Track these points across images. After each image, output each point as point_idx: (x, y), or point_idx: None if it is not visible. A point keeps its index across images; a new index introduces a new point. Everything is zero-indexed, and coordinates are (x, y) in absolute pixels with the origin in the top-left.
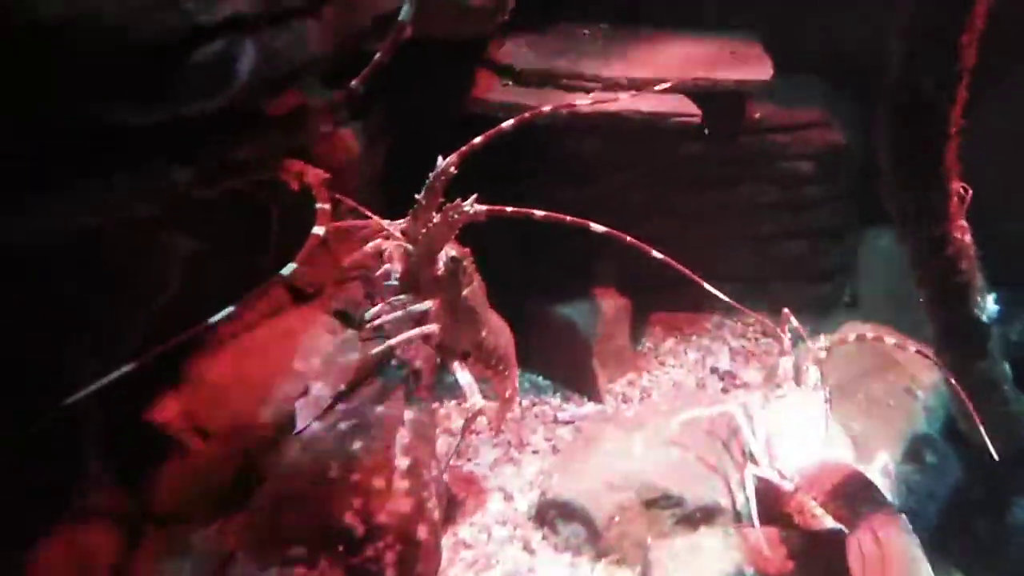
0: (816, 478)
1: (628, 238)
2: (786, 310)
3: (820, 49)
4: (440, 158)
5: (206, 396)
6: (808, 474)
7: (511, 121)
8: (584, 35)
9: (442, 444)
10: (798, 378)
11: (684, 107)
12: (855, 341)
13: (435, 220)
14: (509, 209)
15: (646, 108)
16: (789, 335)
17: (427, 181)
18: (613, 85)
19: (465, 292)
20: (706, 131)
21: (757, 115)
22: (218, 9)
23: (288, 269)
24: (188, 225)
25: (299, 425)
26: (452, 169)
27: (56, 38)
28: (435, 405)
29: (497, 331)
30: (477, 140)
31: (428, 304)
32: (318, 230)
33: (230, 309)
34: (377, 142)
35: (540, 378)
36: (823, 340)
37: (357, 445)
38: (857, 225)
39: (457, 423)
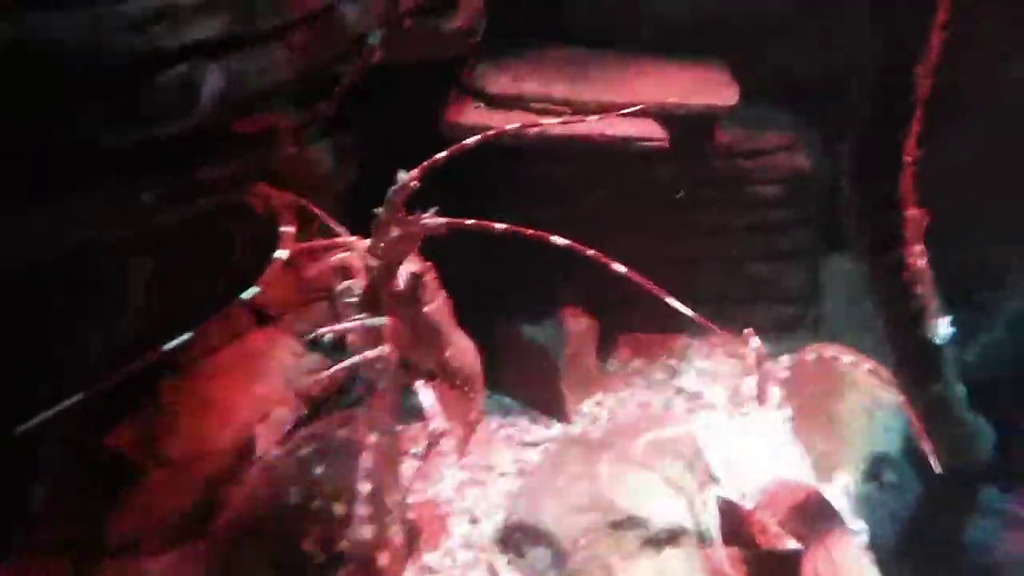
0: (775, 497)
1: (589, 251)
2: (749, 330)
3: (785, 76)
4: (402, 173)
5: (165, 421)
6: (768, 493)
7: (475, 138)
8: (555, 59)
9: (406, 468)
10: (761, 398)
11: (652, 131)
12: (814, 361)
13: (394, 234)
14: (468, 221)
15: (611, 132)
16: (752, 355)
17: (388, 195)
18: (583, 109)
19: (427, 308)
20: (675, 153)
21: (725, 138)
22: (182, 34)
23: (250, 293)
24: (152, 247)
25: (259, 450)
26: (413, 184)
27: (27, 60)
28: (399, 428)
29: (463, 351)
30: (440, 155)
31: (382, 320)
32: (280, 253)
33: (186, 336)
34: (347, 161)
35: (508, 399)
36: (785, 360)
37: (319, 470)
38: (822, 248)
39: (422, 446)
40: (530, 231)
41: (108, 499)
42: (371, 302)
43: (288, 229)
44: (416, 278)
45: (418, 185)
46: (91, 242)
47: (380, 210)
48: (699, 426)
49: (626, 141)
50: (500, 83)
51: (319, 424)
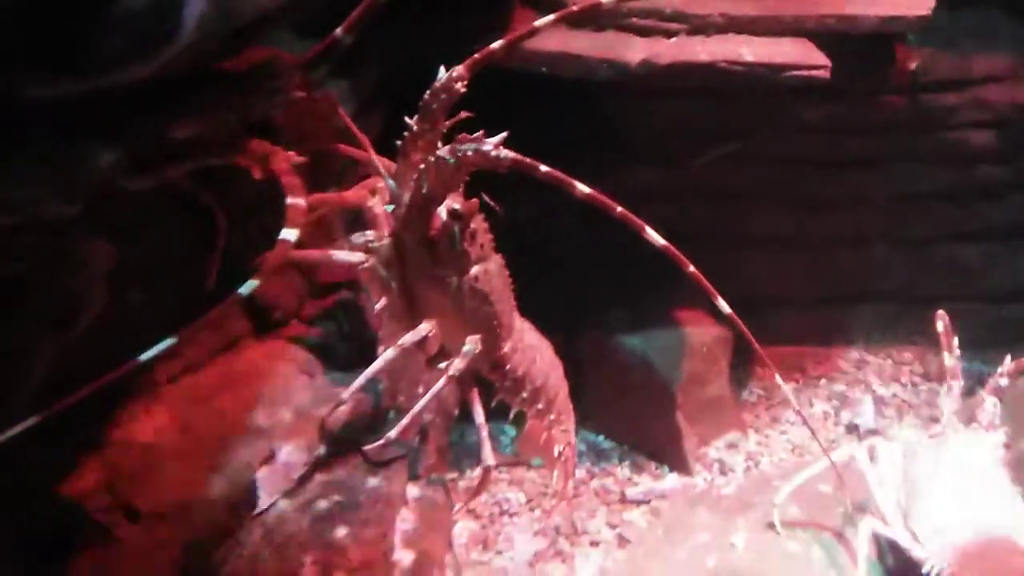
0: (977, 558)
1: (654, 234)
2: (941, 312)
3: None
4: (442, 69)
5: (136, 462)
6: (966, 551)
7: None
8: None
9: (461, 531)
10: (966, 413)
11: (806, 56)
12: None
13: (438, 155)
14: (543, 168)
15: (751, 57)
16: (957, 354)
17: (423, 102)
18: (704, 25)
19: (474, 270)
20: (840, 89)
21: (912, 65)
22: None
23: (247, 287)
24: (113, 229)
25: (262, 503)
26: (460, 85)
27: None
28: (451, 476)
29: (531, 349)
30: (496, 44)
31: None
32: (287, 234)
33: (170, 341)
34: (372, 108)
35: (599, 439)
36: (1008, 363)
37: (341, 532)
38: None
39: (487, 498)
40: (619, 208)
41: (58, 565)
42: (392, 253)
43: (297, 201)
44: (459, 217)
45: (465, 87)
46: (33, 222)
47: (411, 121)
48: (858, 446)
49: (769, 70)
50: None
51: (341, 468)
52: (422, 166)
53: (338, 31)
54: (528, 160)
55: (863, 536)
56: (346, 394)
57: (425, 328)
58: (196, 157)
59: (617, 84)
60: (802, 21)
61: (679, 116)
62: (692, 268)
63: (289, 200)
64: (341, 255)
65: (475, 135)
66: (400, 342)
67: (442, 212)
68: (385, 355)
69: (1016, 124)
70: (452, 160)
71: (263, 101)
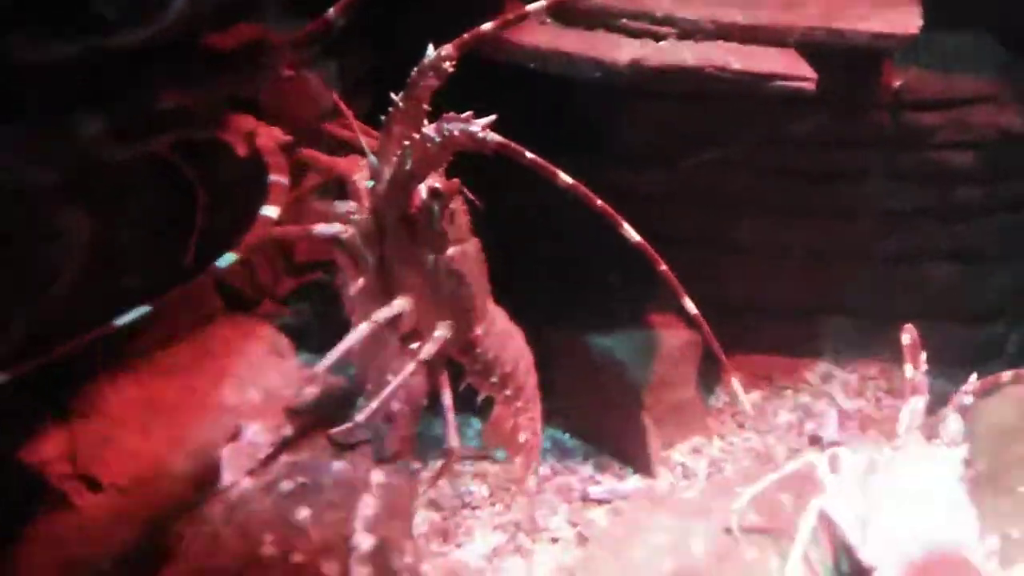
0: (928, 572)
1: (630, 230)
2: (909, 325)
3: None
4: (430, 47)
5: (100, 433)
6: (917, 564)
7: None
8: None
9: (422, 521)
10: (929, 428)
11: (793, 67)
12: (1012, 383)
13: (423, 132)
14: (528, 155)
15: (739, 65)
16: (924, 369)
17: (410, 79)
18: (693, 31)
19: (452, 250)
20: (825, 102)
21: (898, 83)
22: None
23: (225, 260)
24: (92, 198)
25: (225, 480)
26: (448, 64)
27: None
28: (416, 465)
29: (503, 335)
30: (487, 26)
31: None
32: (269, 211)
33: (144, 309)
34: (360, 91)
35: (566, 436)
36: (973, 381)
37: (303, 514)
38: None
39: (449, 490)
40: (599, 202)
41: (17, 529)
42: (370, 233)
43: (279, 179)
44: (438, 196)
45: (454, 66)
46: (10, 189)
47: (397, 98)
48: (818, 454)
49: (756, 78)
50: None
51: (307, 450)
52: (406, 142)
53: (330, 12)
54: (514, 145)
55: (811, 512)
56: (320, 367)
57: (400, 304)
58: (179, 129)
59: (604, 84)
60: (791, 32)
61: (664, 120)
62: (663, 266)
63: (272, 177)
64: (322, 228)
65: (463, 115)
66: (375, 315)
67: (423, 190)
68: (359, 329)
69: (996, 147)
70: (437, 138)
71: (251, 78)
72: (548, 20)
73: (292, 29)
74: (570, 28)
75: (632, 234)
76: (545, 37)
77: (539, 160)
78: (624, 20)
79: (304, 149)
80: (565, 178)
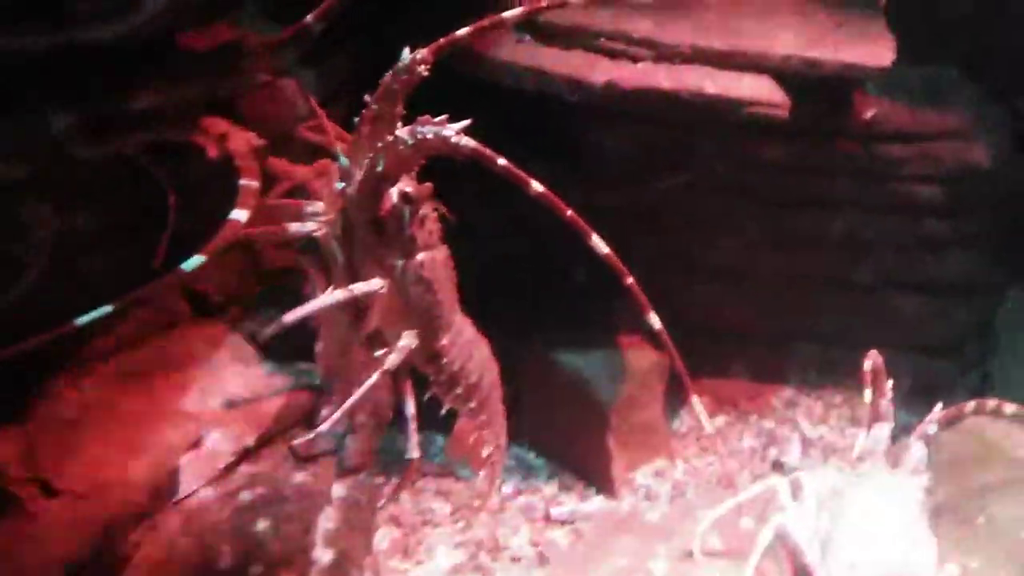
0: None
1: (599, 241)
2: (874, 352)
3: (968, 34)
4: (406, 51)
5: (57, 437)
6: None
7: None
8: None
9: (383, 537)
10: (893, 456)
11: (767, 93)
12: (974, 413)
13: (396, 134)
14: (501, 161)
15: (714, 89)
16: (889, 396)
17: (383, 81)
18: (671, 53)
19: (421, 256)
20: (797, 130)
21: (869, 114)
22: None
23: (192, 263)
24: (60, 194)
25: (184, 489)
26: (422, 68)
27: None
28: (379, 479)
29: (469, 346)
30: (462, 32)
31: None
32: (238, 214)
33: (107, 308)
34: (337, 99)
35: (531, 455)
36: (938, 410)
37: (262, 525)
38: (997, 280)
39: (411, 507)
40: (569, 212)
41: None
42: (340, 235)
43: (250, 183)
44: (409, 201)
45: (428, 70)
46: None
47: (370, 99)
48: (780, 478)
49: (730, 103)
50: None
51: (268, 461)
52: (379, 144)
53: (309, 18)
54: (487, 150)
55: (769, 527)
56: (287, 319)
57: (378, 282)
58: (151, 130)
59: (579, 104)
60: (766, 59)
61: (637, 141)
62: (630, 279)
63: (243, 181)
64: (296, 227)
65: (437, 119)
66: (353, 287)
67: (393, 193)
68: (334, 293)
69: (963, 181)
70: (411, 141)
71: (226, 81)
72: (527, 38)
73: (271, 33)
74: (548, 46)
75: (601, 246)
76: (522, 55)
77: (511, 167)
78: (602, 40)
79: (274, 163)
80: (537, 186)
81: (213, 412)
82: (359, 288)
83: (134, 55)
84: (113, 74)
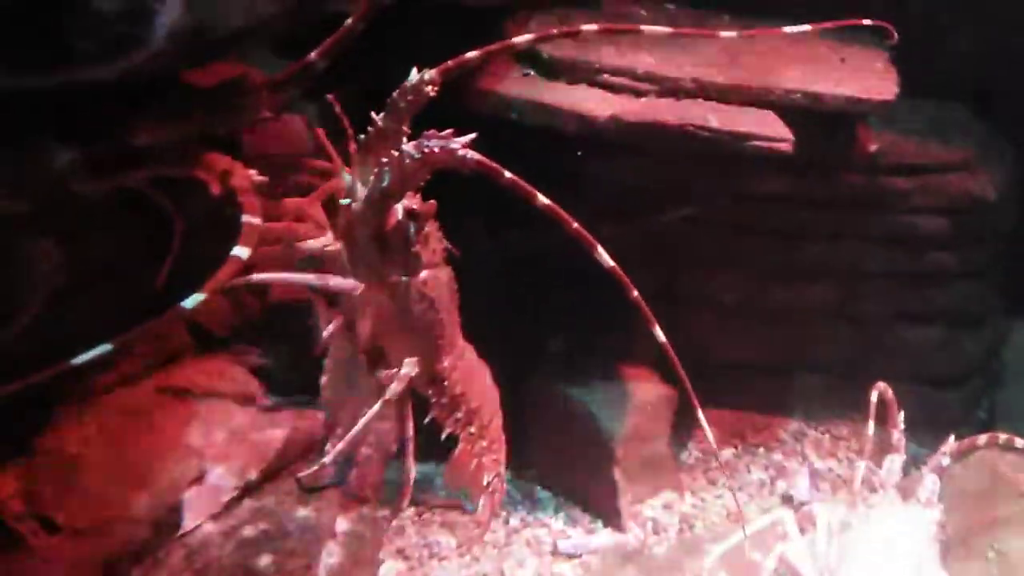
0: None
1: (604, 254)
2: (882, 384)
3: (971, 66)
4: (415, 70)
5: (59, 473)
6: None
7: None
8: (642, 16)
9: (388, 570)
10: (905, 487)
11: (770, 127)
12: (986, 446)
13: (402, 149)
14: (507, 174)
15: (717, 123)
16: (901, 428)
17: (391, 99)
18: (674, 88)
19: (424, 274)
20: (800, 163)
21: (873, 148)
22: None
23: (192, 301)
24: (61, 229)
25: (187, 524)
26: (430, 88)
27: None
28: (383, 514)
29: (470, 370)
30: (471, 54)
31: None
32: (239, 251)
33: (106, 347)
34: (340, 134)
35: (537, 488)
36: (951, 442)
37: (265, 561)
38: (1002, 313)
39: (417, 540)
40: (575, 225)
41: None
42: (345, 251)
43: (252, 219)
44: (414, 218)
45: (436, 91)
46: None
47: (377, 117)
48: (786, 511)
49: (734, 137)
50: (560, 44)
51: (271, 495)
52: (384, 159)
53: (312, 55)
54: (493, 164)
55: (772, 555)
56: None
57: (352, 283)
58: (153, 166)
59: (583, 138)
60: (769, 93)
61: (640, 174)
62: (636, 293)
63: (245, 218)
64: (297, 277)
65: (443, 132)
66: (325, 276)
67: (399, 210)
68: (306, 276)
69: (967, 213)
70: (417, 154)
71: (228, 118)
72: (531, 72)
73: (277, 69)
74: (552, 81)
75: (606, 259)
76: (527, 89)
77: (518, 180)
78: (606, 75)
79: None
80: (543, 199)
81: (216, 446)
82: (335, 282)
83: (136, 91)
84: (115, 110)
